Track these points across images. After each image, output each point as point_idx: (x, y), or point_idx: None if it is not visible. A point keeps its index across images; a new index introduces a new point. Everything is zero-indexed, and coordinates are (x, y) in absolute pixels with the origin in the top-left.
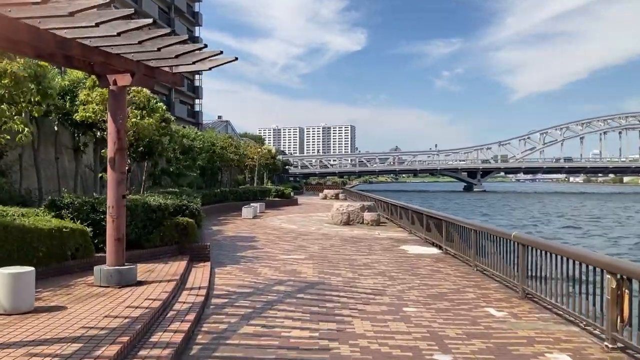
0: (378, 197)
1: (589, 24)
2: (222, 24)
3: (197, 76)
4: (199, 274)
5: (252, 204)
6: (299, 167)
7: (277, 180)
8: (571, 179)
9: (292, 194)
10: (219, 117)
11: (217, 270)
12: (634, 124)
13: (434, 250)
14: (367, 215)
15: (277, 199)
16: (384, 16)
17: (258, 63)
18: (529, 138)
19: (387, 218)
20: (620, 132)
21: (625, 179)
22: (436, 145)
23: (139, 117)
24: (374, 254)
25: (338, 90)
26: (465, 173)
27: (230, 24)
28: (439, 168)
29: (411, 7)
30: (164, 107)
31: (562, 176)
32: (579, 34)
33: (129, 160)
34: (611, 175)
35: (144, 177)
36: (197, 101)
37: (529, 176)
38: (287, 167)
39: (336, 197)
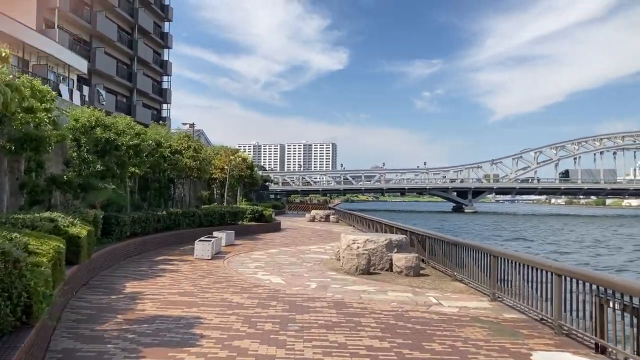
0: (404, 226)
1: (568, 48)
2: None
3: (165, 78)
4: None
5: (215, 234)
6: (280, 183)
7: (256, 198)
8: (552, 200)
9: (273, 215)
10: (191, 124)
11: None
12: (627, 144)
13: None
14: (399, 258)
15: (253, 223)
16: (366, 36)
17: (240, 79)
18: (521, 157)
19: (422, 260)
20: (614, 153)
21: (608, 201)
22: (425, 164)
23: None
24: None
25: (319, 108)
26: (455, 192)
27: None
28: (428, 187)
29: (393, 28)
30: None
31: (542, 197)
32: (557, 57)
33: None
34: (592, 198)
35: (6, 188)
36: (164, 106)
37: (508, 197)
38: (267, 183)
39: (326, 218)
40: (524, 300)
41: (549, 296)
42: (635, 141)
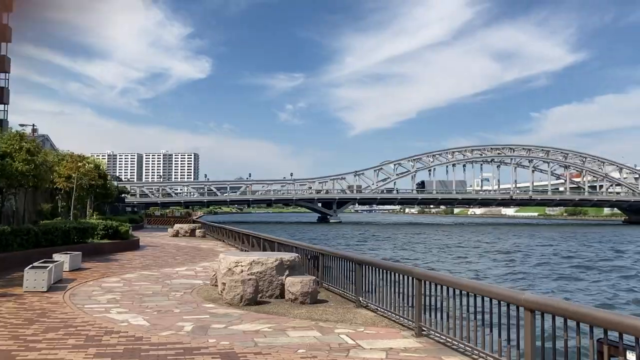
0: (290, 242)
1: (418, 68)
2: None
3: (2, 75)
4: None
5: (56, 257)
6: (138, 195)
7: (110, 212)
8: (406, 209)
9: (130, 230)
10: (33, 128)
11: None
12: (475, 157)
13: None
14: (293, 283)
15: (106, 241)
16: (229, 46)
17: (94, 85)
18: (381, 169)
19: (318, 282)
20: (464, 165)
21: (456, 210)
22: (291, 174)
23: None
24: None
25: (181, 117)
26: (321, 203)
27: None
28: (294, 198)
29: (255, 41)
30: None
31: (397, 207)
32: (409, 77)
33: None
34: (442, 207)
35: None
36: (1, 107)
37: (366, 207)
38: (123, 195)
39: (192, 233)
40: (469, 339)
41: (512, 337)
42: (481, 154)
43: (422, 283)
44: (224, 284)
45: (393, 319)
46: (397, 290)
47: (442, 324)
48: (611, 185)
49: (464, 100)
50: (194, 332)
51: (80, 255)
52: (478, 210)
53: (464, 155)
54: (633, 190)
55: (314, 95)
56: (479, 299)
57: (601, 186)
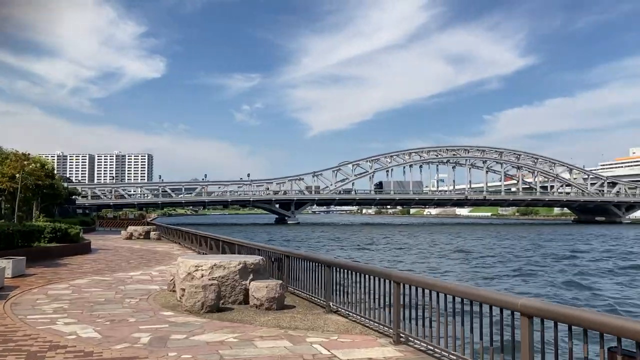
0: (252, 244)
1: (375, 71)
2: None
3: None
4: None
5: None
6: (90, 197)
7: (59, 214)
8: (364, 210)
9: (81, 233)
10: None
11: None
12: (431, 158)
13: None
14: (258, 288)
15: (54, 244)
16: (185, 46)
17: (42, 83)
18: (340, 169)
19: (284, 286)
20: (421, 166)
21: (412, 210)
22: (249, 175)
23: None
24: None
25: (134, 118)
26: (278, 204)
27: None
28: (251, 199)
29: (211, 40)
30: None
31: (354, 208)
32: (366, 78)
33: None
34: (398, 208)
35: None
36: None
37: (323, 208)
38: (73, 196)
39: (146, 235)
40: (455, 347)
41: (506, 345)
42: (437, 155)
43: (401, 286)
44: (183, 289)
45: (368, 325)
46: (372, 294)
47: (423, 331)
48: (562, 186)
49: (419, 102)
50: (151, 344)
51: (25, 260)
52: (434, 211)
53: (420, 157)
54: (582, 191)
55: (271, 95)
56: (466, 304)
57: (552, 186)
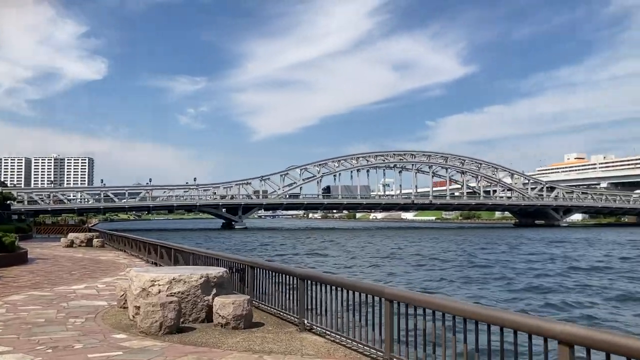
0: (211, 253)
1: (321, 76)
2: None
3: None
4: None
5: None
6: (26, 202)
7: None
8: (310, 214)
9: (17, 241)
10: None
11: None
12: (378, 163)
13: None
14: (224, 304)
15: None
16: (127, 47)
17: None
18: (287, 174)
19: (251, 301)
20: (368, 171)
21: (358, 214)
22: (195, 180)
23: None
24: None
25: (74, 120)
26: (225, 209)
27: None
28: (198, 204)
29: (155, 42)
30: None
31: (301, 212)
32: (312, 83)
33: None
34: (345, 212)
35: None
36: None
37: (270, 212)
38: (8, 202)
39: (88, 243)
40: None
41: None
42: (384, 160)
43: (394, 305)
44: (137, 307)
45: (351, 346)
46: (356, 312)
47: (424, 357)
48: (503, 190)
49: (365, 107)
50: None
51: None
52: (379, 215)
53: (367, 161)
54: (523, 195)
55: (217, 99)
56: (481, 327)
57: (495, 191)
